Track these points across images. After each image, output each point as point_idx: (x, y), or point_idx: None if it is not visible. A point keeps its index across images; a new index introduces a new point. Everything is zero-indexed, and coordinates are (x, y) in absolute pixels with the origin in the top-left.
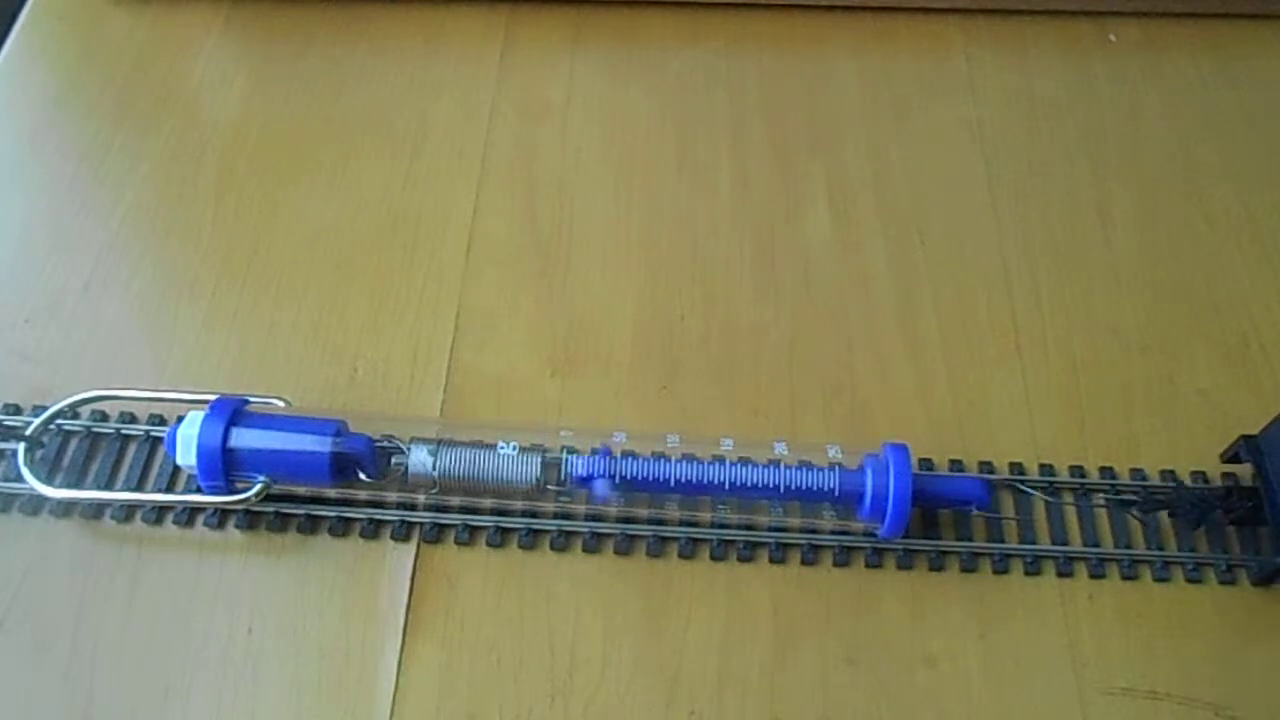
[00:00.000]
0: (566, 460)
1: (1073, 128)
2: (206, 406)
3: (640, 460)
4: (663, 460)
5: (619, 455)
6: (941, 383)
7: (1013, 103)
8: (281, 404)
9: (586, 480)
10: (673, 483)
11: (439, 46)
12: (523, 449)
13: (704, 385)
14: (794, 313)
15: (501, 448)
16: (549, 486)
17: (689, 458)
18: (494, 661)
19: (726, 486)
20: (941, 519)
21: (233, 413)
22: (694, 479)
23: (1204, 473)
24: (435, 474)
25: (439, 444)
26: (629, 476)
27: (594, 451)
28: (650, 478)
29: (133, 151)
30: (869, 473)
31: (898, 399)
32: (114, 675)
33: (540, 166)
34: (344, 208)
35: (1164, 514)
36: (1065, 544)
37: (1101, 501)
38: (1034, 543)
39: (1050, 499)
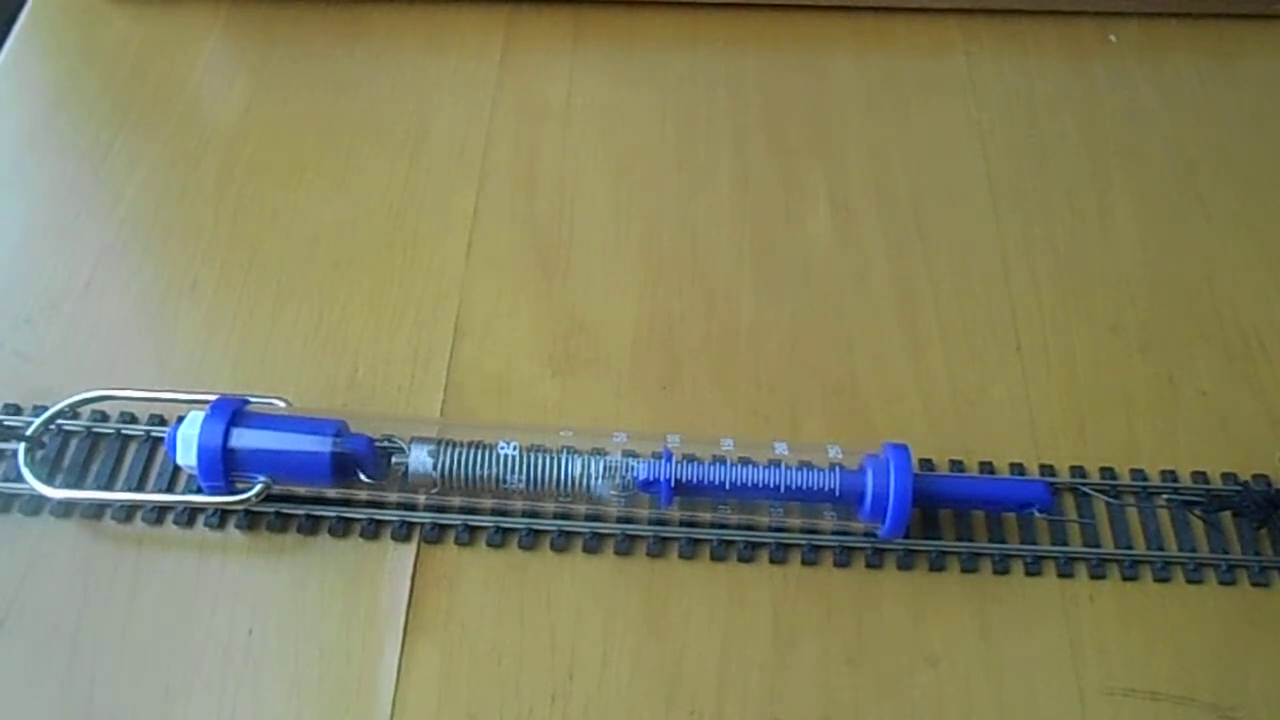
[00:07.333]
0: (634, 465)
1: (1073, 128)
2: (207, 406)
3: (706, 465)
4: (721, 464)
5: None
6: (941, 383)
7: (1013, 103)
8: (282, 404)
9: (650, 484)
10: (728, 486)
11: (439, 46)
12: (543, 449)
13: (704, 385)
14: (794, 313)
15: (502, 448)
16: (610, 493)
17: (691, 458)
18: (494, 661)
19: (728, 487)
20: (942, 519)
21: (233, 413)
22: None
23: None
24: (436, 474)
25: (439, 444)
26: (695, 480)
27: (655, 455)
28: (711, 482)
29: (133, 152)
30: (869, 473)
31: (898, 399)
32: (114, 675)
33: (540, 166)
34: (344, 208)
35: (1228, 514)
36: (1065, 544)
37: (1163, 503)
38: (1034, 543)
39: (1112, 501)
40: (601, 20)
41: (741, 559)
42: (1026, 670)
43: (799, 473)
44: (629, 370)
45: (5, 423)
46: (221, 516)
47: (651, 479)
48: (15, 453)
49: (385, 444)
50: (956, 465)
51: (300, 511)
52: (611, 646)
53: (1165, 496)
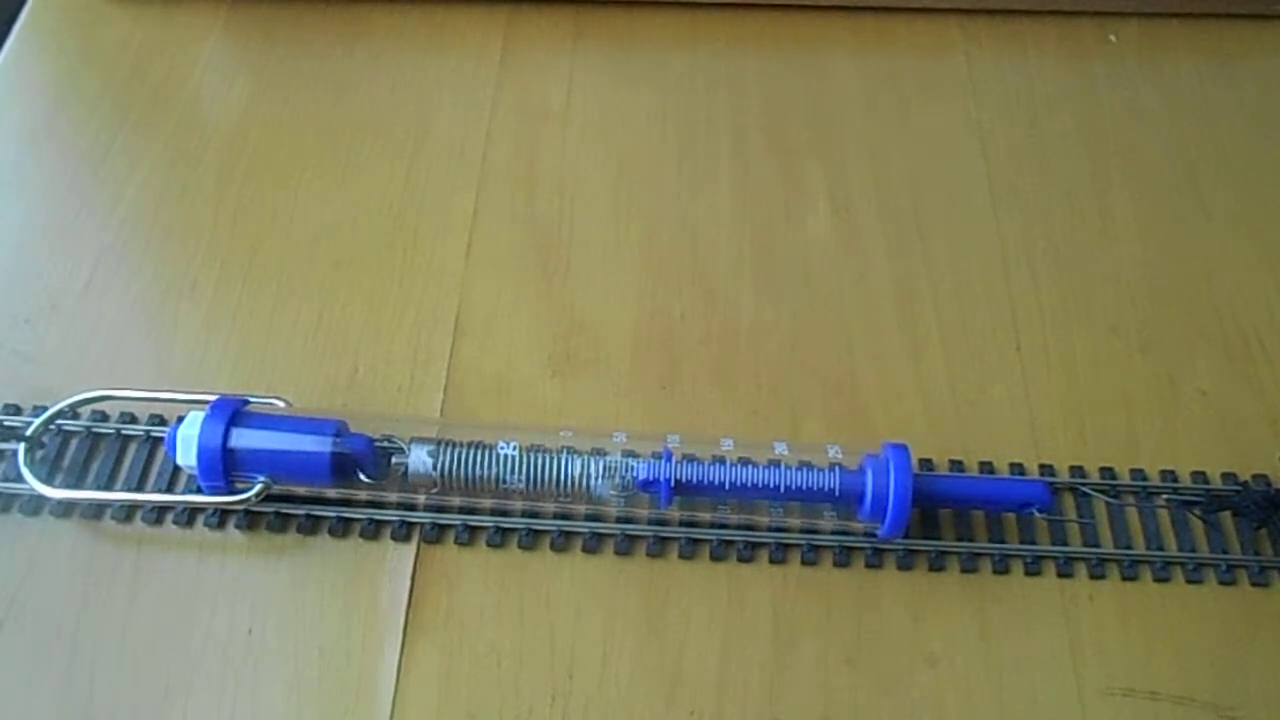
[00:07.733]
0: (634, 465)
1: (1073, 128)
2: (206, 406)
3: (705, 465)
4: (722, 464)
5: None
6: (941, 383)
7: (1013, 103)
8: (281, 404)
9: (650, 484)
10: (728, 486)
11: (439, 46)
12: (551, 449)
13: (704, 385)
14: (794, 313)
15: (502, 448)
16: (610, 493)
17: (690, 458)
18: (494, 662)
19: (727, 487)
20: (942, 519)
21: (233, 413)
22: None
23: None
24: (436, 474)
25: (439, 444)
26: (693, 480)
27: (655, 455)
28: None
29: (133, 152)
30: (869, 473)
31: (898, 399)
32: (114, 675)
33: (540, 166)
34: (344, 208)
35: (1228, 515)
36: (1065, 544)
37: (1163, 503)
38: (1034, 543)
39: (1112, 501)
40: (601, 20)
41: (741, 559)
42: (1026, 670)
43: (799, 473)
44: (629, 370)
45: (5, 423)
46: (221, 516)
47: (651, 479)
48: (15, 453)
49: (385, 444)
50: (956, 465)
51: (300, 511)
52: (611, 646)
53: (1165, 496)
